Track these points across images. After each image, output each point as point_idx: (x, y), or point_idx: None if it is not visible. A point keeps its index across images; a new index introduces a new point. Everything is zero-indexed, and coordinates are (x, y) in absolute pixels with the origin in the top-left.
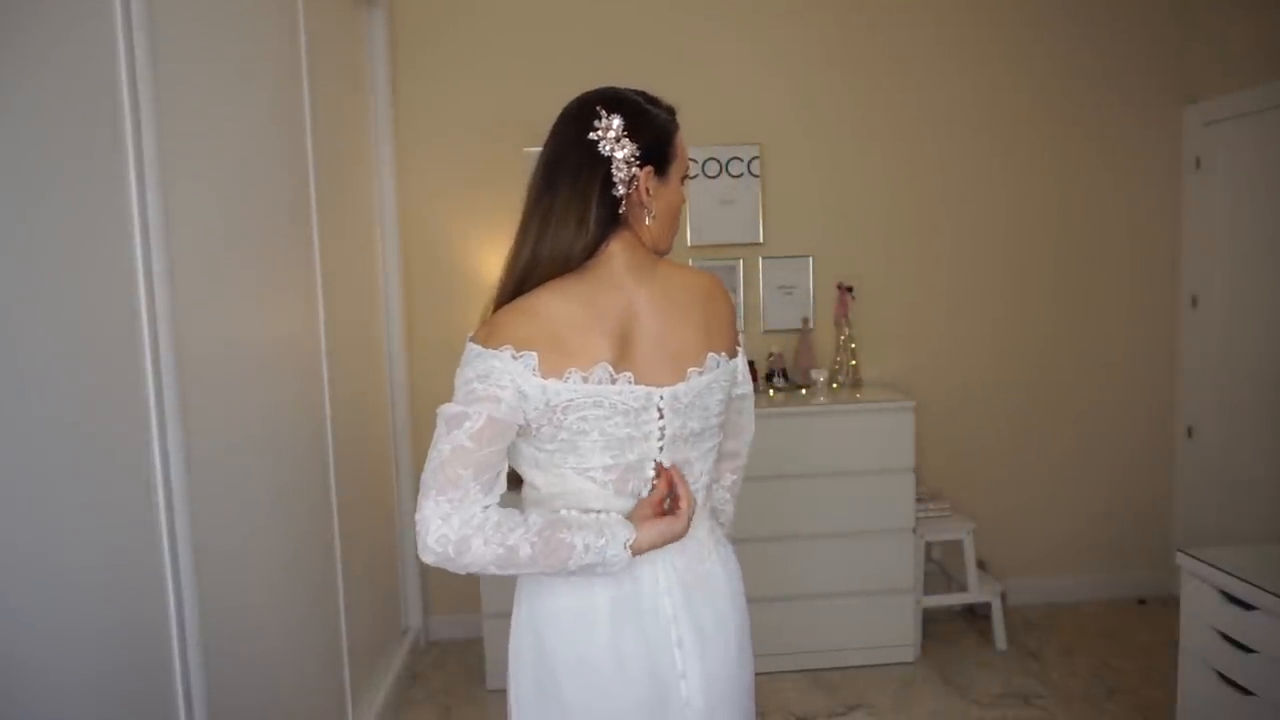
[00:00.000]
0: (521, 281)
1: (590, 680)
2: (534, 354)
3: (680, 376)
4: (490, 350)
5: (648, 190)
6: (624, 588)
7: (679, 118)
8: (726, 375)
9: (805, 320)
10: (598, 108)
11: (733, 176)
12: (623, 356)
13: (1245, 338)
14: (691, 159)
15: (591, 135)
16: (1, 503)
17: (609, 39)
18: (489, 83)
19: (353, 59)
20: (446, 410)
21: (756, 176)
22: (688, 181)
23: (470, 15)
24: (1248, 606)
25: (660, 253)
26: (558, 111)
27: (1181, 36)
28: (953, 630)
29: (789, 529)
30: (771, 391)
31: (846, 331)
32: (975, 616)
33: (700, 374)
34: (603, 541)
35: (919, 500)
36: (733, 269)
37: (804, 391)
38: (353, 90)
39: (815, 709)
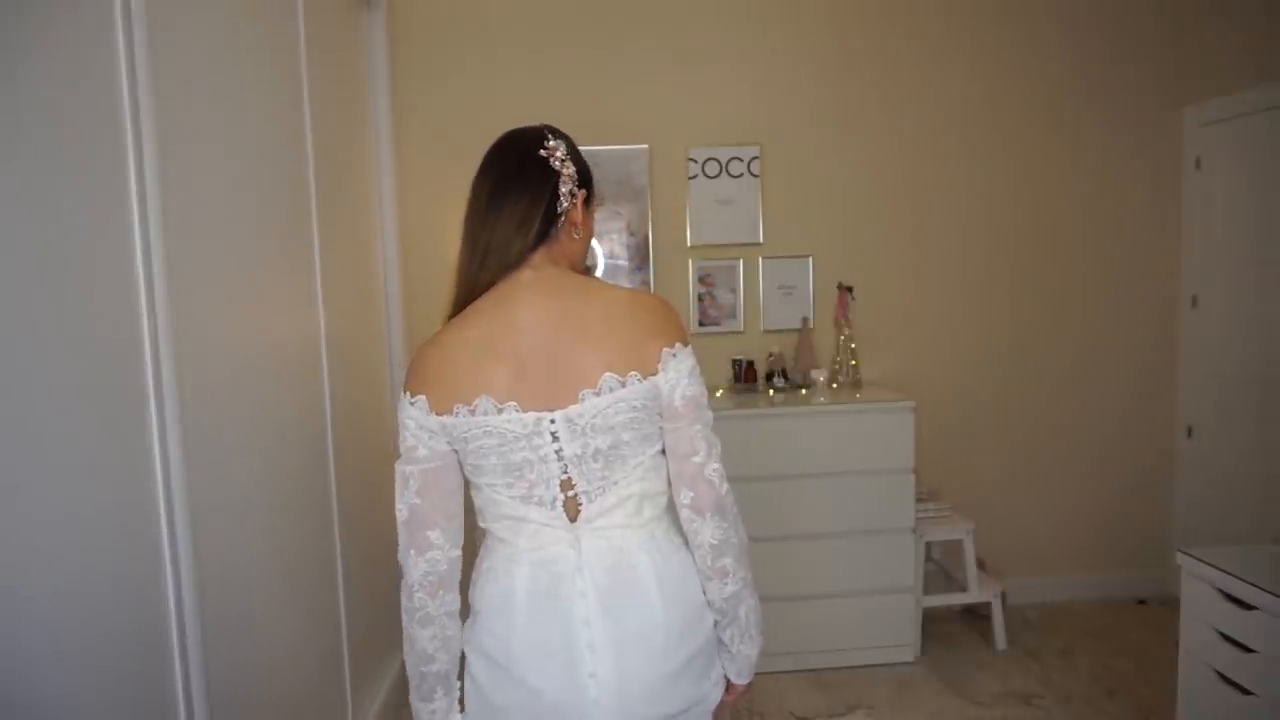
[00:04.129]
0: (468, 294)
1: (509, 657)
2: (423, 397)
3: (573, 398)
4: (404, 396)
5: (581, 211)
6: (540, 584)
7: (682, 120)
8: (640, 394)
9: (805, 320)
10: (545, 132)
11: (733, 176)
12: (516, 381)
13: (1245, 338)
14: (691, 159)
15: (542, 153)
16: (1, 503)
17: (609, 39)
18: (489, 82)
19: (352, 61)
20: (397, 470)
21: (756, 176)
22: (690, 182)
23: (469, 16)
24: (1248, 606)
25: (580, 271)
26: (557, 111)
27: (1180, 38)
28: (953, 630)
29: (789, 529)
30: (771, 391)
31: (846, 331)
32: (975, 616)
33: (596, 395)
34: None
35: (919, 500)
36: (733, 269)
37: (804, 391)
38: (352, 91)
39: (815, 709)
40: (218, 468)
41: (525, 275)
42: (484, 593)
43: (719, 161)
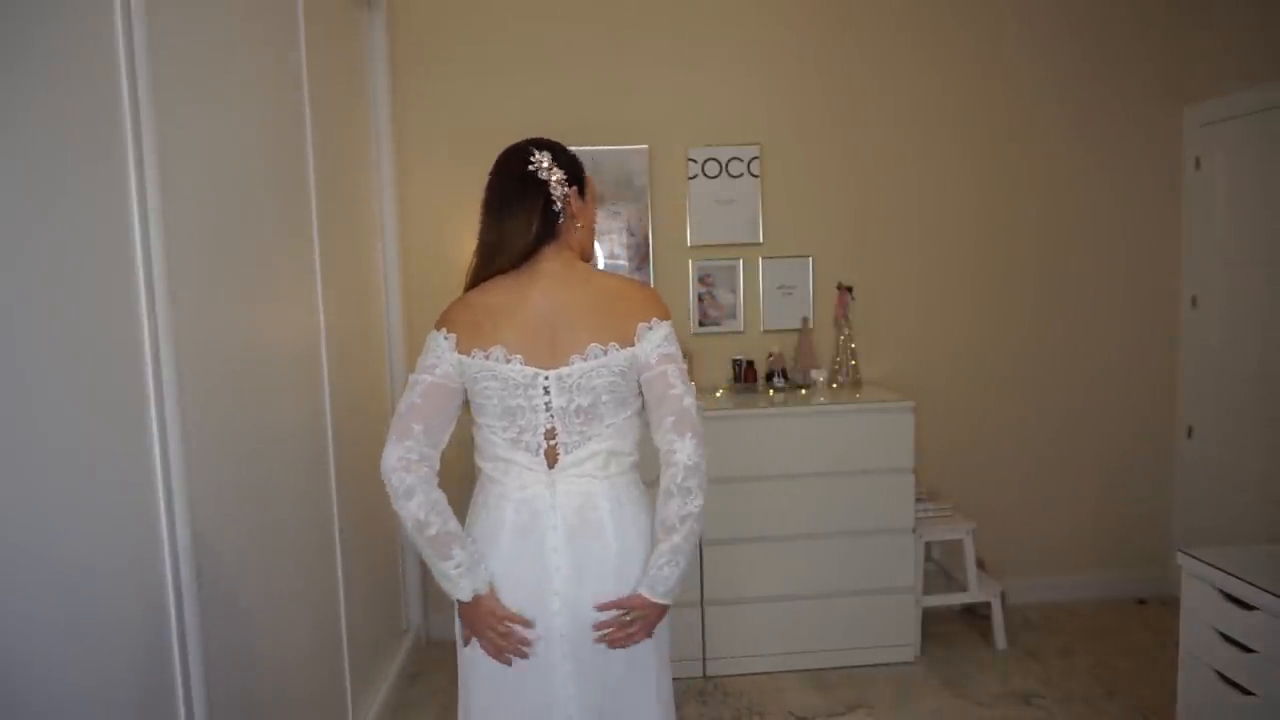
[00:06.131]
0: (484, 273)
1: (493, 577)
2: (454, 336)
3: (565, 362)
4: (437, 331)
5: (576, 206)
6: (522, 517)
7: (682, 120)
8: (619, 362)
9: (805, 320)
10: (530, 149)
11: (733, 176)
12: (524, 342)
13: (1245, 338)
14: (691, 159)
15: (530, 167)
16: (1, 503)
17: (609, 39)
18: (489, 82)
19: (353, 61)
20: (411, 378)
21: (756, 176)
22: (690, 182)
23: (470, 17)
24: (1248, 606)
25: (585, 258)
26: (557, 111)
27: (1180, 37)
28: (953, 630)
29: (789, 529)
30: (771, 391)
31: (846, 331)
32: (975, 616)
33: (583, 360)
34: (453, 579)
35: (919, 500)
36: (733, 269)
37: (804, 391)
38: (352, 92)
39: (815, 709)
40: (218, 467)
41: (543, 265)
42: (478, 521)
43: (719, 161)
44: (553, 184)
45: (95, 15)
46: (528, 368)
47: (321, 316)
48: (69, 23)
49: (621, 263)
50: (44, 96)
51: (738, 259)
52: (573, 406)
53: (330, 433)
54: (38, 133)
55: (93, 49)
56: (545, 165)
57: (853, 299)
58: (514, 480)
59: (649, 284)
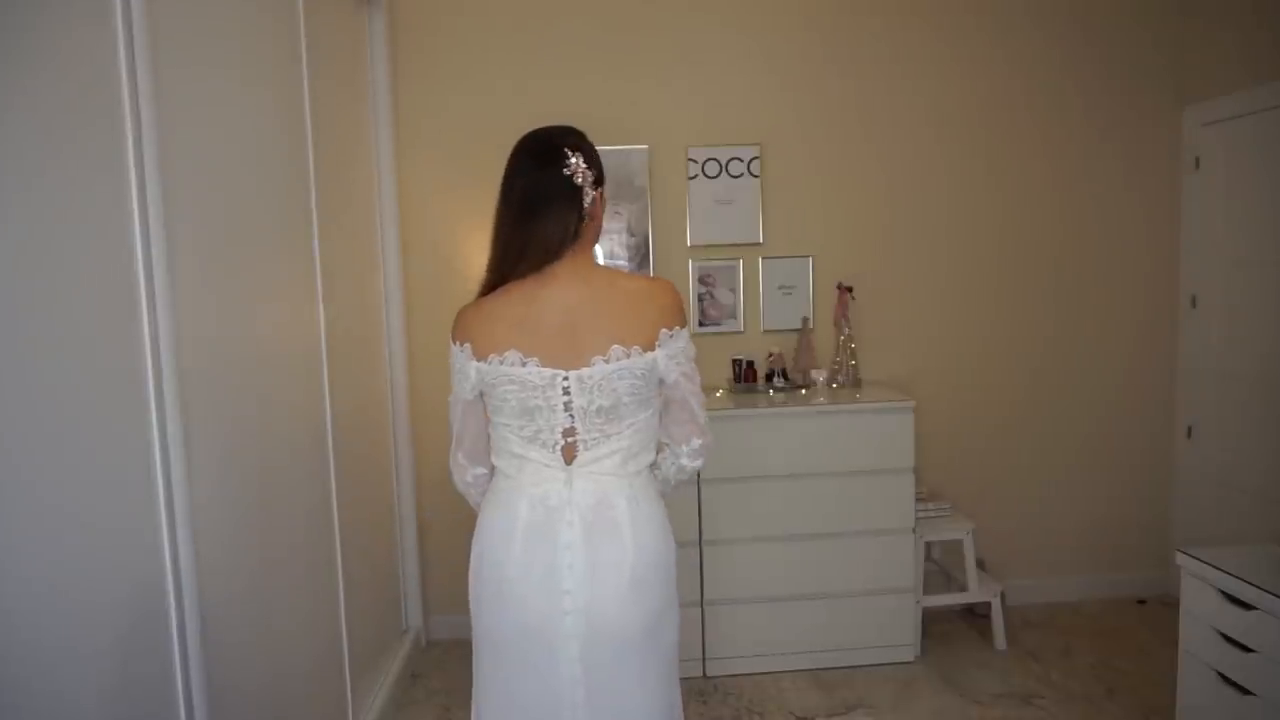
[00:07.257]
0: (507, 274)
1: (503, 576)
2: (469, 344)
3: (587, 363)
4: (453, 345)
5: (601, 207)
6: (536, 514)
7: (682, 120)
8: (641, 365)
9: (805, 320)
10: (566, 150)
11: (733, 176)
12: (541, 344)
13: (1245, 338)
14: (691, 159)
15: (566, 171)
16: (1, 504)
17: (609, 38)
18: (489, 82)
19: (353, 60)
20: (449, 401)
21: (756, 176)
22: (690, 183)
23: (470, 16)
24: (1248, 606)
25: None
26: (557, 111)
27: (1181, 37)
28: (953, 630)
29: (789, 529)
30: (771, 391)
31: (846, 331)
32: (975, 616)
33: (605, 361)
34: None
35: (919, 500)
36: (733, 269)
37: (804, 391)
38: (353, 90)
39: (815, 708)
40: (218, 467)
41: (561, 265)
42: (490, 518)
43: (719, 161)
44: (586, 189)
45: (95, 16)
46: (546, 369)
47: (322, 317)
48: (69, 24)
49: (621, 262)
50: (45, 96)
51: (738, 259)
52: (594, 407)
53: (330, 434)
54: (38, 132)
55: (93, 49)
56: (582, 169)
57: (853, 299)
58: (529, 477)
59: (667, 281)
